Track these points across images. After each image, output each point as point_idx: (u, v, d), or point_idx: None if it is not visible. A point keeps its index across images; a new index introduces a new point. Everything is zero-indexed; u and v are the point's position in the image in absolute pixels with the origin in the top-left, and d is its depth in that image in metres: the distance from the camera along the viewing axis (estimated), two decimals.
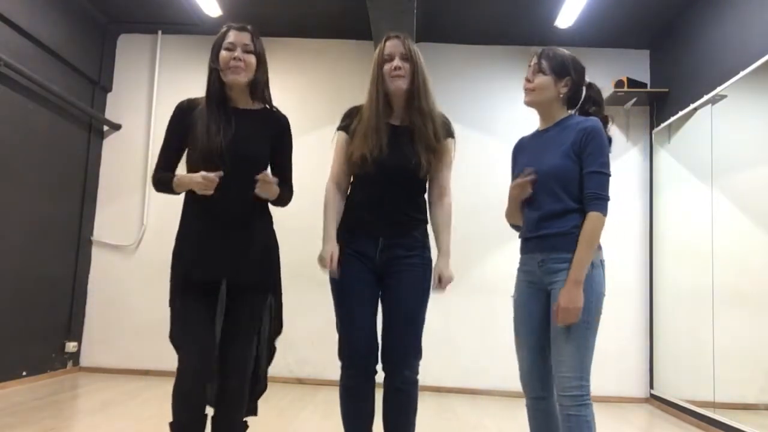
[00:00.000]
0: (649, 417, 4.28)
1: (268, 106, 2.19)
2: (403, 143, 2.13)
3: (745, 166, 3.58)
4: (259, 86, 2.13)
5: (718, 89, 3.80)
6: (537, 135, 2.15)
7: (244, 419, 2.14)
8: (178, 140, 2.11)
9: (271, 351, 2.28)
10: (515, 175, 2.13)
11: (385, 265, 2.14)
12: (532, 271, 2.02)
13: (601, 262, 1.94)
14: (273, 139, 2.15)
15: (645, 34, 4.86)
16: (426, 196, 2.26)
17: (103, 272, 4.99)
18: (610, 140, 1.98)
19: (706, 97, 3.95)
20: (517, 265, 2.16)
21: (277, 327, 2.29)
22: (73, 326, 4.80)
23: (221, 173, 1.95)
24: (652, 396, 4.67)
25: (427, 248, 2.22)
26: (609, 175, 1.91)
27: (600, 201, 1.88)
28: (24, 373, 4.22)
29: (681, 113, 4.33)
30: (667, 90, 4.66)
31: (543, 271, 1.97)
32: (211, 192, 1.96)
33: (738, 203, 3.66)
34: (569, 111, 2.09)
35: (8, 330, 4.05)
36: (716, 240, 3.79)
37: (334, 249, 2.11)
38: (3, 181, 3.97)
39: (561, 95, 2.04)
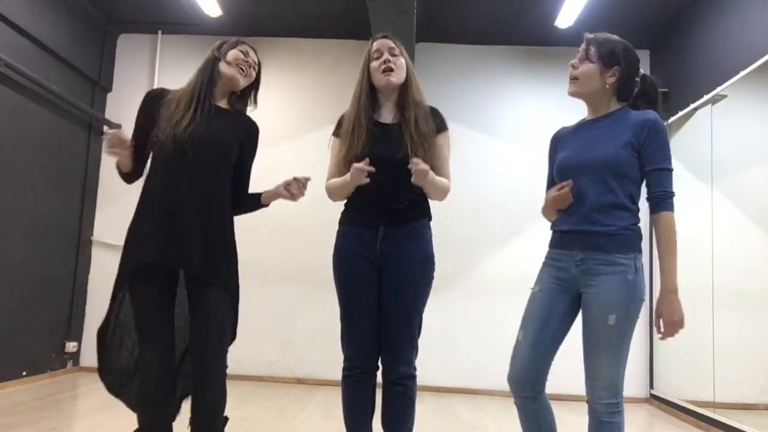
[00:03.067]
0: (649, 417, 4.28)
1: (239, 110, 2.22)
2: (392, 138, 2.13)
3: (745, 166, 3.58)
4: (243, 99, 2.21)
5: (718, 89, 3.80)
6: (583, 125, 2.00)
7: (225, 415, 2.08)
8: (145, 127, 2.08)
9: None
10: (552, 167, 2.03)
11: (386, 257, 2.14)
12: (565, 268, 1.88)
13: (641, 266, 1.83)
14: (242, 138, 2.15)
15: (645, 34, 4.86)
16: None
17: (103, 272, 4.98)
18: None
19: (706, 97, 3.95)
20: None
21: (232, 333, 2.12)
22: (73, 326, 4.80)
23: (129, 139, 1.98)
24: (652, 396, 4.67)
25: (429, 242, 2.22)
26: (673, 171, 1.81)
27: (671, 199, 1.78)
28: (24, 373, 4.22)
29: (681, 113, 4.33)
30: (667, 90, 4.66)
31: (580, 271, 1.84)
32: (120, 150, 1.97)
33: (738, 203, 3.66)
34: (621, 103, 1.94)
35: (8, 330, 4.06)
36: (716, 240, 3.78)
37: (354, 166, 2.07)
38: (3, 180, 3.97)
39: (608, 86, 1.89)
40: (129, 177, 2.13)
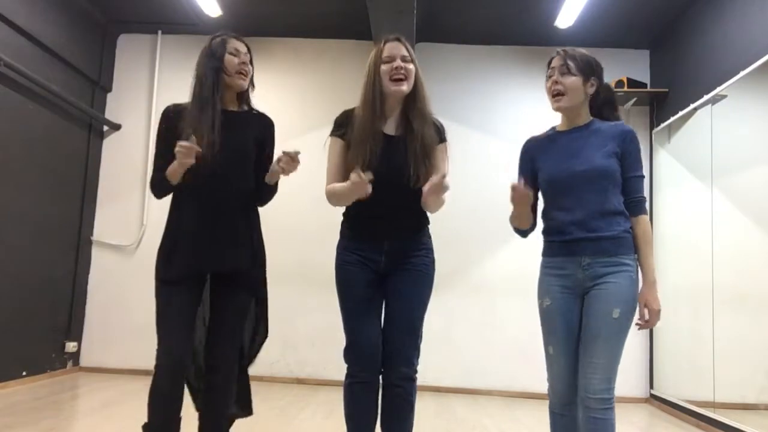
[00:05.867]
0: (649, 417, 4.28)
1: (249, 108, 2.28)
2: (397, 154, 2.08)
3: (745, 166, 3.58)
4: (247, 93, 2.24)
5: (718, 89, 3.80)
6: (559, 135, 2.07)
7: (232, 413, 2.23)
8: (170, 147, 2.07)
9: (254, 350, 2.35)
10: (524, 175, 2.08)
11: (390, 266, 2.14)
12: (571, 275, 1.96)
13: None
14: (259, 139, 2.22)
15: (645, 34, 4.86)
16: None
17: (103, 272, 4.99)
18: None
19: (706, 97, 3.95)
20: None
21: (263, 330, 2.32)
22: (73, 326, 4.80)
23: (195, 144, 1.96)
24: (652, 396, 4.67)
25: (431, 249, 2.22)
26: (644, 177, 2.01)
27: (645, 202, 1.98)
28: (24, 373, 4.22)
29: (681, 113, 4.33)
30: (667, 90, 4.66)
31: (587, 275, 1.93)
32: (191, 160, 1.97)
33: (738, 203, 3.66)
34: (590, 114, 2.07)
35: (8, 330, 4.05)
36: (716, 240, 3.79)
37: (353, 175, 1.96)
38: (3, 181, 3.97)
39: (588, 96, 2.02)
40: (166, 192, 2.15)
